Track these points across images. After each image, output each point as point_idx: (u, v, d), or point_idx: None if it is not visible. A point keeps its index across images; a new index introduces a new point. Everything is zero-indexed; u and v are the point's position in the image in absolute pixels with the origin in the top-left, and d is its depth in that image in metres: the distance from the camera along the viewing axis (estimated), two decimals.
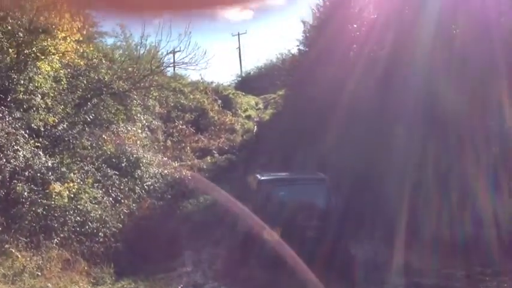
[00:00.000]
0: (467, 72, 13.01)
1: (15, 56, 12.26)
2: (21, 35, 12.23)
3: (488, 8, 13.89)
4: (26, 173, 11.18)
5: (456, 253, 10.57)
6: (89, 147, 14.34)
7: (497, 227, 10.85)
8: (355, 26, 22.37)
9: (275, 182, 12.12)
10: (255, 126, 27.86)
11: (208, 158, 22.06)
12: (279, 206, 11.31)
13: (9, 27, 12.02)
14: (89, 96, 15.30)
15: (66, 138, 13.44)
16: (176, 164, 19.83)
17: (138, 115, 18.95)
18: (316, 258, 9.99)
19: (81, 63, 14.62)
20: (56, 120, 13.04)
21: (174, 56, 21.94)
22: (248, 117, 30.28)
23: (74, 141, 13.76)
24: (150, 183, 16.20)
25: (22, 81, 12.19)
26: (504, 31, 13.19)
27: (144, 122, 19.81)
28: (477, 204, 11.29)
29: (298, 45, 26.03)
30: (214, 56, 24.93)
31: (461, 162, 12.02)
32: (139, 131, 18.31)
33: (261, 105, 33.78)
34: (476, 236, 10.82)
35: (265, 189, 11.75)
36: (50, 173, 11.75)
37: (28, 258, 9.73)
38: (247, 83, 40.05)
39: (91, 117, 14.94)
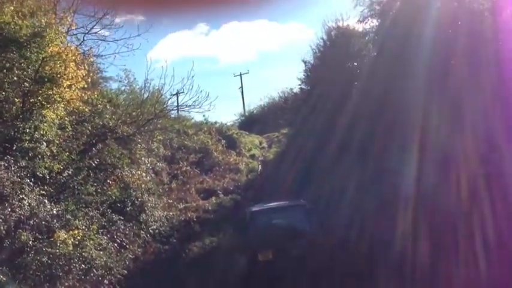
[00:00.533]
0: (463, 107, 13.37)
1: (20, 105, 12.39)
2: (27, 85, 12.38)
3: (483, 45, 14.29)
4: (31, 222, 11.13)
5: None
6: (94, 193, 14.38)
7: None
8: (355, 64, 22.77)
9: (263, 211, 13.87)
10: (260, 166, 27.93)
11: (213, 198, 22.04)
12: (268, 231, 12.94)
13: (15, 78, 12.19)
14: (93, 141, 15.45)
15: (71, 185, 13.51)
16: (181, 206, 19.88)
17: (143, 158, 19.06)
18: (302, 275, 11.38)
19: (86, 109, 14.75)
20: (61, 167, 13.06)
21: (177, 98, 22.25)
22: (252, 156, 30.40)
23: (79, 188, 13.82)
24: (155, 227, 16.21)
25: (27, 130, 12.25)
26: (494, 60, 13.60)
27: (149, 164, 19.92)
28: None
29: (300, 84, 26.40)
30: (218, 97, 25.14)
31: (458, 199, 12.13)
32: (144, 174, 18.38)
33: (265, 144, 33.95)
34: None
35: (256, 217, 13.53)
36: (55, 221, 11.72)
37: None
38: (251, 122, 40.39)
39: (96, 162, 15.04)
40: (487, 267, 10.01)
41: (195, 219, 18.84)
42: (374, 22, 20.87)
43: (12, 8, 11.86)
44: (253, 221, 13.45)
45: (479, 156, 12.81)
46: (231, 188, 23.49)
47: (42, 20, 12.67)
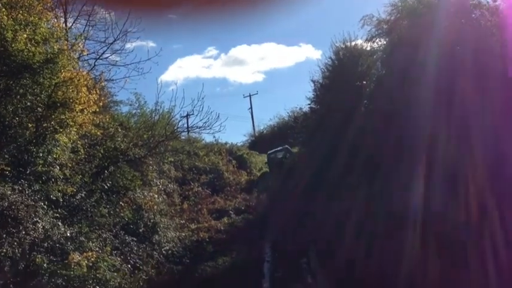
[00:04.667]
0: (471, 122, 13.36)
1: (34, 130, 12.61)
2: (40, 110, 12.63)
3: (491, 60, 14.31)
4: (45, 244, 11.29)
5: None
6: (107, 215, 14.49)
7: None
8: (364, 82, 22.85)
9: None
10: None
11: (225, 218, 22.05)
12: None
13: (29, 103, 12.44)
14: (106, 164, 15.62)
15: (84, 207, 13.63)
16: (193, 227, 19.92)
17: (154, 180, 19.20)
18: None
19: (98, 133, 14.94)
20: (74, 190, 13.22)
21: (187, 120, 22.51)
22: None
23: (92, 210, 13.93)
24: (168, 247, 16.26)
25: (41, 154, 12.46)
26: (503, 81, 13.62)
27: (160, 186, 20.05)
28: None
29: (309, 104, 26.48)
30: (228, 118, 25.51)
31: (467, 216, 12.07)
32: (156, 195, 18.51)
33: None
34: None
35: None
36: (69, 243, 11.85)
37: None
38: (261, 142, 40.46)
39: (108, 184, 15.22)
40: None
41: (207, 240, 18.86)
42: (382, 41, 21.02)
43: (25, 35, 12.11)
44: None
45: (488, 171, 12.73)
46: (243, 208, 23.51)
47: (55, 47, 12.94)
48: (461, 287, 10.48)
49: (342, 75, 23.07)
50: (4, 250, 10.11)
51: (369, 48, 22.38)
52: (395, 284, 11.40)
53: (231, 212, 22.85)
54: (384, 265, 12.28)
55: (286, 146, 30.47)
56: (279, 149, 30.53)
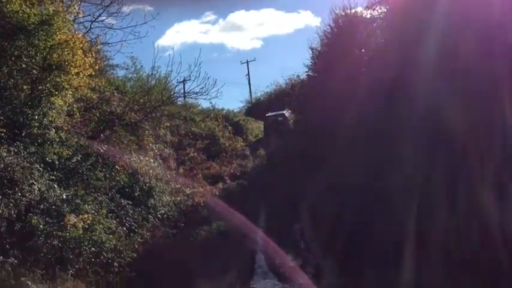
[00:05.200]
0: (470, 88, 13.13)
1: (29, 92, 12.61)
2: (35, 72, 12.60)
3: (491, 27, 14.02)
4: (41, 206, 11.41)
5: (466, 265, 10.42)
6: (103, 178, 14.57)
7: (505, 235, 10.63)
8: (362, 50, 22.67)
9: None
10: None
11: (220, 184, 22.26)
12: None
13: (24, 65, 12.40)
14: (101, 128, 15.63)
15: (80, 170, 13.70)
16: (189, 191, 20.09)
17: (150, 144, 19.23)
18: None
19: (94, 96, 14.96)
20: (70, 153, 13.28)
21: (184, 85, 22.45)
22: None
23: (88, 173, 14.01)
24: (163, 211, 16.42)
25: (36, 117, 12.47)
26: (507, 47, 13.33)
27: (156, 151, 20.10)
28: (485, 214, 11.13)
29: (307, 71, 26.38)
30: (225, 84, 25.72)
31: (468, 176, 11.95)
32: (152, 160, 18.54)
33: None
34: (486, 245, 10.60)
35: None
36: (65, 205, 11.96)
37: None
38: (257, 109, 40.47)
39: (104, 148, 15.24)
40: None
41: (202, 204, 19.05)
42: (382, 8, 20.75)
43: None
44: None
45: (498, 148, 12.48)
46: (238, 174, 23.70)
47: (50, 8, 12.82)
48: None
49: (341, 43, 22.89)
50: (0, 211, 10.22)
51: (368, 16, 22.16)
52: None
53: (226, 177, 23.05)
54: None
55: (286, 111, 30.80)
56: (278, 113, 31.37)
